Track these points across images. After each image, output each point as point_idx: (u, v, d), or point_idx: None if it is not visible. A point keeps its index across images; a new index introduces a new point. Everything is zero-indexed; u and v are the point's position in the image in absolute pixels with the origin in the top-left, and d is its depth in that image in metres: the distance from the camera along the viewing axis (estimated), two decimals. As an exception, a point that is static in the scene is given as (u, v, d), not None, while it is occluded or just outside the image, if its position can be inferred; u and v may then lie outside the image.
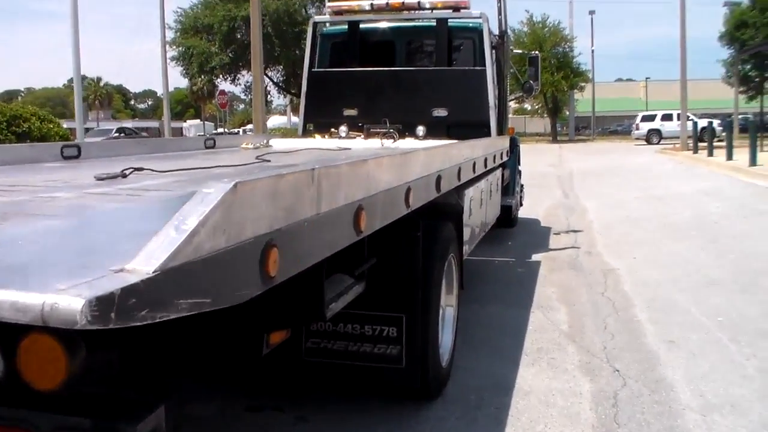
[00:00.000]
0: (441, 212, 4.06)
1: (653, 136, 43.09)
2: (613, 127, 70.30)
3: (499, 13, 8.61)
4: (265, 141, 7.64)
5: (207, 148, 6.80)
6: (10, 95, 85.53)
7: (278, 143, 7.56)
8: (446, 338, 4.16)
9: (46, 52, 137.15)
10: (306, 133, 8.19)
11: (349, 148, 6.48)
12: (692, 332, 5.29)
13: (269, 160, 4.75)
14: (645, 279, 7.10)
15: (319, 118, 8.14)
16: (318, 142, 7.42)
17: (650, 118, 45.04)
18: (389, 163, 2.73)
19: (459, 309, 4.57)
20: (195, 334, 2.10)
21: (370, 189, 2.41)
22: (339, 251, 2.23)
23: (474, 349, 4.88)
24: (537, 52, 11.95)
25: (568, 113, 58.42)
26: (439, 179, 3.56)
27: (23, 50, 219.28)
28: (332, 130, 7.75)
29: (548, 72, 46.87)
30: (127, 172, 3.31)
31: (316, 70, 8.21)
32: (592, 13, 62.29)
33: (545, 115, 56.30)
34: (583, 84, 53.99)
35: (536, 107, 56.10)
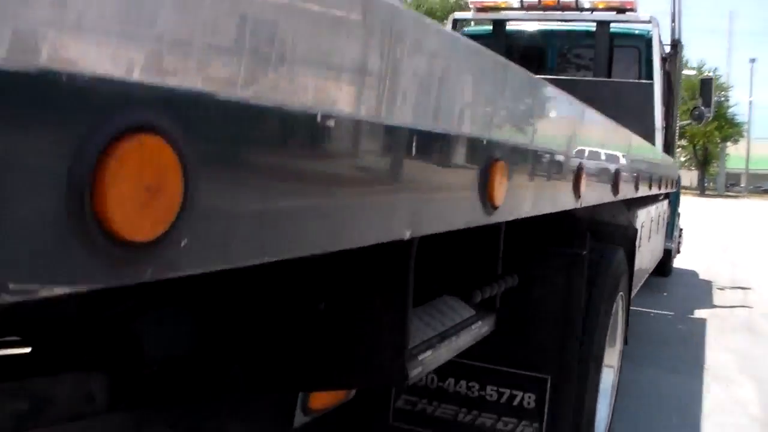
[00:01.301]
0: (609, 233, 2.84)
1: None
2: (767, 185, 65.58)
3: (673, 20, 7.25)
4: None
5: None
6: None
7: None
8: (602, 413, 2.90)
9: None
10: None
11: None
12: None
13: None
14: None
15: None
16: None
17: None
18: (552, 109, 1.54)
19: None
20: None
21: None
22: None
23: (629, 430, 3.59)
24: (711, 74, 10.36)
25: (717, 167, 54.66)
26: (617, 174, 2.37)
27: None
28: None
29: (700, 121, 43.89)
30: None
31: None
32: (752, 60, 58.21)
33: (692, 168, 52.87)
34: (737, 137, 50.40)
35: (683, 159, 52.88)
